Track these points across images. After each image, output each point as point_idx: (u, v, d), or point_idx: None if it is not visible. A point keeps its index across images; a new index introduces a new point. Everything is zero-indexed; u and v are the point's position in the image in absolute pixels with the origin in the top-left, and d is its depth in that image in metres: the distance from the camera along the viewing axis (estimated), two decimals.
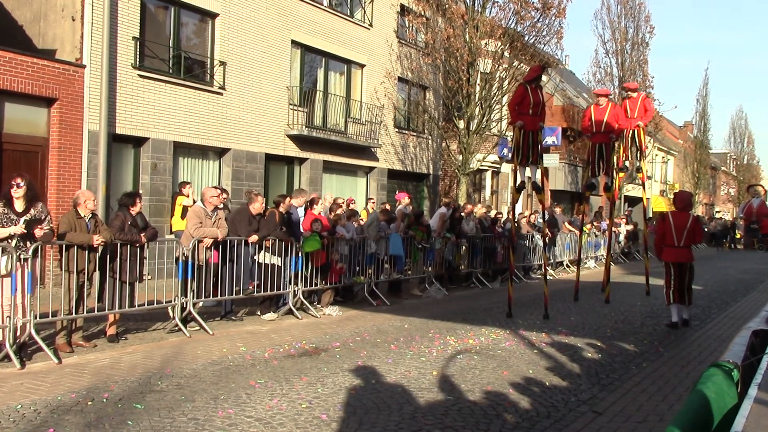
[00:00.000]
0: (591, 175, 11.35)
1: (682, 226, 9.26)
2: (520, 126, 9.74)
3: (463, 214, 13.98)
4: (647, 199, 14.06)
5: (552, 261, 17.15)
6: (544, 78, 10.01)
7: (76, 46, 12.01)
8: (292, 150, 16.48)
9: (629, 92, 12.80)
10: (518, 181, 10.18)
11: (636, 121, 12.45)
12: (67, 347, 6.89)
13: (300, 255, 9.59)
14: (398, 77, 19.99)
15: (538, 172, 10.17)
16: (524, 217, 16.72)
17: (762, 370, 2.45)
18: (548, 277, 11.90)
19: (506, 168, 26.19)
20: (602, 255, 20.91)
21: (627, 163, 13.31)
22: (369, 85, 18.96)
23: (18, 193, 6.50)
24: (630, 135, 12.65)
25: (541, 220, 17.26)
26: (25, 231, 6.41)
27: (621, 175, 15.44)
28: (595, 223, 20.48)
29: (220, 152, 14.82)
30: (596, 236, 19.99)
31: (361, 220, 12.61)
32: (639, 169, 13.53)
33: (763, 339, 3.21)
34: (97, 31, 11.95)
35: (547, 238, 13.80)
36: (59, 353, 6.64)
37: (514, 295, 10.30)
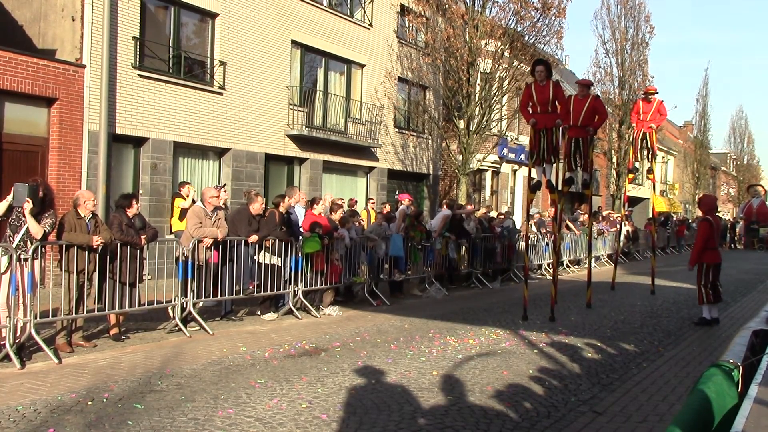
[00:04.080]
0: (567, 170, 10.76)
1: (718, 229, 10.03)
2: (533, 124, 9.70)
3: (463, 214, 13.98)
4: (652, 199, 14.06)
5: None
6: (539, 70, 9.77)
7: (76, 46, 12.02)
8: (292, 150, 16.48)
9: (648, 95, 12.76)
10: (534, 182, 10.13)
11: (648, 123, 12.41)
12: (67, 347, 6.89)
13: (300, 255, 9.59)
14: (398, 77, 20.00)
15: (553, 171, 10.06)
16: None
17: (762, 370, 2.45)
18: (550, 278, 11.89)
19: (506, 168, 26.22)
20: (602, 255, 20.94)
21: (637, 164, 13.27)
22: (369, 85, 18.96)
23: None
24: (641, 137, 12.61)
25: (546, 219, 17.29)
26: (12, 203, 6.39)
27: (631, 176, 15.40)
28: (594, 223, 20.44)
29: (220, 152, 14.82)
30: (594, 237, 19.95)
31: (362, 219, 12.63)
32: (650, 170, 13.48)
33: (763, 339, 3.22)
34: (97, 31, 11.96)
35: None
36: (59, 353, 6.64)
37: (515, 295, 10.31)
